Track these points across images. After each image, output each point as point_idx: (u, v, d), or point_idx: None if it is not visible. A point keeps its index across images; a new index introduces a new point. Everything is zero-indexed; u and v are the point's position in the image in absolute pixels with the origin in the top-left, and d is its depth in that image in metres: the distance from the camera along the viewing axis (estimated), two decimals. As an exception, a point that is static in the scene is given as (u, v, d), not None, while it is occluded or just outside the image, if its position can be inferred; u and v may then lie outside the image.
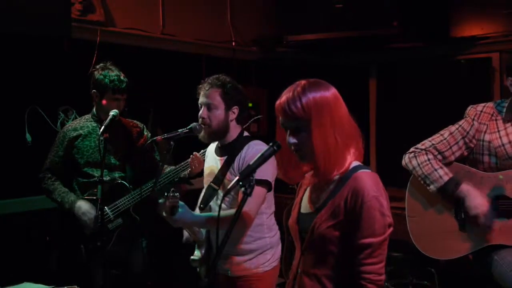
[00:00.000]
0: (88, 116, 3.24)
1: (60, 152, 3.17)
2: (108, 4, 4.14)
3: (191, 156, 2.95)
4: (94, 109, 3.21)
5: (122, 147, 3.20)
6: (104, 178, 3.07)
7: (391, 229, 1.69)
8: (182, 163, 3.04)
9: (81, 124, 3.20)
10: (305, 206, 1.87)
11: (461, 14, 4.91)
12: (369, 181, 1.68)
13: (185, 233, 2.84)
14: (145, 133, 3.33)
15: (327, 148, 1.69)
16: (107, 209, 3.06)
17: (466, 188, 2.62)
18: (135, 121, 3.36)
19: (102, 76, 3.07)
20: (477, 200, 2.58)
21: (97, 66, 3.16)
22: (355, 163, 1.76)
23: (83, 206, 3.03)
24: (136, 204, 3.09)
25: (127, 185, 3.12)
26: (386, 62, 5.46)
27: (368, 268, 1.66)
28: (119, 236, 3.08)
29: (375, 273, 1.66)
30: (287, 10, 4.91)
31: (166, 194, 2.27)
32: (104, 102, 3.10)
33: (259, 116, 3.41)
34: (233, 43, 5.09)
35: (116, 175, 3.18)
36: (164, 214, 2.31)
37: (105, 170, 3.10)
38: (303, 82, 1.76)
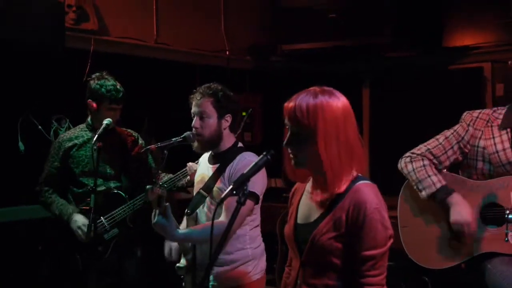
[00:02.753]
0: (82, 126, 3.22)
1: (56, 163, 3.14)
2: (102, 13, 4.14)
3: (187, 165, 2.94)
4: (89, 119, 3.18)
5: (117, 156, 3.19)
6: (100, 188, 3.07)
7: (392, 240, 1.69)
8: (179, 172, 3.02)
9: (76, 134, 3.18)
10: (302, 216, 1.85)
11: (454, 24, 4.96)
12: (370, 193, 1.68)
13: (166, 250, 2.83)
14: (140, 142, 3.32)
15: (333, 163, 1.66)
16: (103, 219, 3.04)
17: (455, 198, 2.63)
18: (129, 130, 3.35)
19: (98, 86, 3.05)
20: (462, 209, 2.58)
21: (93, 76, 3.13)
22: (354, 174, 1.74)
23: (79, 220, 3.00)
24: (132, 213, 3.08)
25: (123, 194, 3.11)
26: (379, 71, 5.49)
27: (371, 280, 1.66)
28: (114, 245, 3.07)
29: (377, 285, 1.67)
30: (281, 20, 4.94)
31: (154, 180, 2.24)
32: (98, 109, 3.08)
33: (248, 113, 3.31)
34: (227, 52, 5.09)
35: (112, 184, 3.15)
36: (151, 204, 2.27)
37: (100, 180, 3.10)
38: (316, 88, 1.73)
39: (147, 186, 2.24)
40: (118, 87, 3.09)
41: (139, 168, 3.23)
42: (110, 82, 3.07)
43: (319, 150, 1.66)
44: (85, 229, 2.96)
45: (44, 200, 3.15)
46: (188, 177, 2.97)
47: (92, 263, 2.96)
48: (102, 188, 3.10)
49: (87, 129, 3.18)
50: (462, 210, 2.59)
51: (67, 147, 3.12)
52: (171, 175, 3.07)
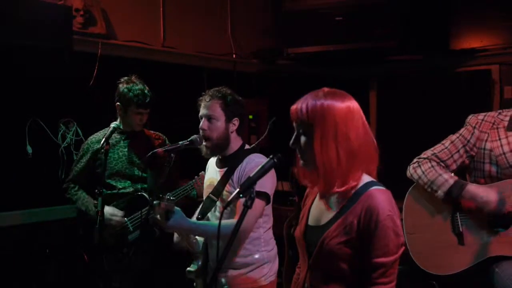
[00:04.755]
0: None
1: (83, 163, 3.19)
2: (109, 17, 4.16)
3: (196, 176, 2.96)
4: (118, 121, 3.21)
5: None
6: (127, 190, 3.13)
7: (403, 248, 1.68)
8: (189, 183, 3.05)
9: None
10: (313, 218, 1.84)
11: (461, 27, 4.94)
12: (383, 199, 1.65)
13: (176, 235, 2.84)
14: (167, 144, 3.33)
15: (327, 161, 1.65)
16: (126, 221, 3.07)
17: (471, 188, 2.62)
18: (157, 133, 3.38)
19: (126, 90, 3.09)
20: (485, 194, 2.58)
21: (122, 79, 3.17)
22: (368, 179, 1.72)
23: (108, 210, 3.03)
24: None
25: (147, 197, 3.12)
26: (386, 75, 5.47)
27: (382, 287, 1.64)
28: (137, 248, 3.08)
29: None
30: (287, 23, 4.93)
31: (161, 195, 2.25)
32: (126, 112, 3.12)
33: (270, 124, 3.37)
34: (234, 56, 5.11)
35: (139, 186, 3.19)
36: (158, 217, 2.29)
37: (128, 182, 3.16)
38: (324, 89, 1.73)
39: (154, 202, 2.26)
40: (146, 91, 3.12)
41: (163, 170, 3.24)
42: (138, 87, 3.10)
43: (314, 146, 1.66)
44: (117, 218, 3.02)
45: (69, 196, 3.20)
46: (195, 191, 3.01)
47: (117, 264, 2.99)
48: (130, 189, 3.15)
49: (116, 132, 3.20)
50: (486, 195, 2.57)
51: (95, 149, 3.16)
52: (182, 187, 3.11)
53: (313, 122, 1.66)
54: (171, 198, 2.25)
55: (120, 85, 3.13)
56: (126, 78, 3.17)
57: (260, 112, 5.23)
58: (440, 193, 2.67)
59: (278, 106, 5.06)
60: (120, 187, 3.14)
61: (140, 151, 3.18)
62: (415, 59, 5.09)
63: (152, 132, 3.35)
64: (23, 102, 3.62)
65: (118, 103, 3.14)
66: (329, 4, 4.71)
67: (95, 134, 3.29)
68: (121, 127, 3.20)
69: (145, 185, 3.20)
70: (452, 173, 2.76)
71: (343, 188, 1.69)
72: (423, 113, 5.08)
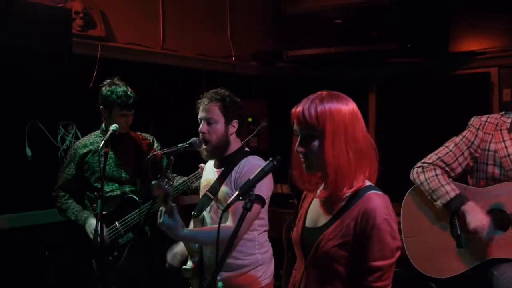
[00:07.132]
0: (97, 132, 3.24)
1: (72, 169, 3.17)
2: (109, 20, 4.17)
3: (199, 167, 2.94)
4: (103, 125, 3.20)
5: (132, 161, 3.20)
6: (115, 193, 3.11)
7: (399, 252, 1.68)
8: (192, 175, 3.03)
9: (91, 140, 3.20)
10: (310, 220, 1.84)
11: (460, 30, 4.95)
12: (380, 203, 1.66)
13: (168, 257, 2.83)
14: (155, 146, 3.32)
15: (338, 163, 1.66)
16: (117, 224, 3.06)
17: (469, 205, 2.63)
18: (144, 134, 3.37)
19: (109, 92, 3.07)
20: (478, 215, 2.59)
21: (105, 82, 3.15)
22: (366, 183, 1.73)
23: (94, 223, 2.99)
24: (147, 218, 3.08)
25: (137, 199, 3.11)
26: (386, 77, 5.48)
27: None
28: (130, 250, 3.07)
29: None
30: (287, 26, 4.94)
31: (159, 176, 2.22)
32: (110, 115, 3.09)
33: (262, 125, 3.37)
34: (233, 58, 5.11)
35: (127, 189, 3.17)
36: (157, 199, 2.26)
37: (115, 184, 3.14)
38: (324, 92, 1.74)
39: (153, 182, 2.24)
40: (129, 93, 3.10)
41: (153, 172, 3.23)
42: (121, 89, 3.08)
43: (325, 150, 1.66)
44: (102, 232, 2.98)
45: (59, 205, 3.18)
46: (201, 179, 2.98)
47: (107, 268, 2.97)
48: (118, 192, 3.13)
49: (101, 135, 3.19)
50: (478, 216, 2.59)
51: (82, 153, 3.15)
52: (185, 178, 3.08)
53: (324, 127, 1.66)
54: (170, 182, 2.22)
55: (103, 88, 3.11)
56: (108, 80, 3.14)
57: (259, 115, 5.23)
58: (438, 203, 2.69)
59: (278, 109, 5.07)
60: (108, 190, 3.11)
61: (127, 153, 3.17)
62: (415, 62, 5.10)
63: (138, 133, 3.33)
64: (22, 105, 3.62)
65: (101, 106, 3.11)
66: (329, 6, 4.72)
67: (81, 139, 3.29)
68: (105, 129, 3.18)
69: (133, 188, 3.19)
70: (451, 179, 2.77)
71: (351, 190, 1.69)
72: (422, 115, 5.08)
